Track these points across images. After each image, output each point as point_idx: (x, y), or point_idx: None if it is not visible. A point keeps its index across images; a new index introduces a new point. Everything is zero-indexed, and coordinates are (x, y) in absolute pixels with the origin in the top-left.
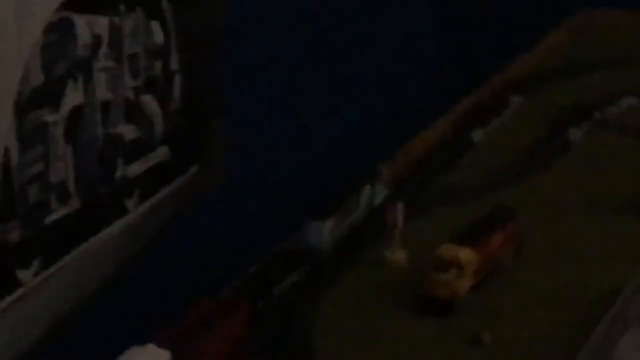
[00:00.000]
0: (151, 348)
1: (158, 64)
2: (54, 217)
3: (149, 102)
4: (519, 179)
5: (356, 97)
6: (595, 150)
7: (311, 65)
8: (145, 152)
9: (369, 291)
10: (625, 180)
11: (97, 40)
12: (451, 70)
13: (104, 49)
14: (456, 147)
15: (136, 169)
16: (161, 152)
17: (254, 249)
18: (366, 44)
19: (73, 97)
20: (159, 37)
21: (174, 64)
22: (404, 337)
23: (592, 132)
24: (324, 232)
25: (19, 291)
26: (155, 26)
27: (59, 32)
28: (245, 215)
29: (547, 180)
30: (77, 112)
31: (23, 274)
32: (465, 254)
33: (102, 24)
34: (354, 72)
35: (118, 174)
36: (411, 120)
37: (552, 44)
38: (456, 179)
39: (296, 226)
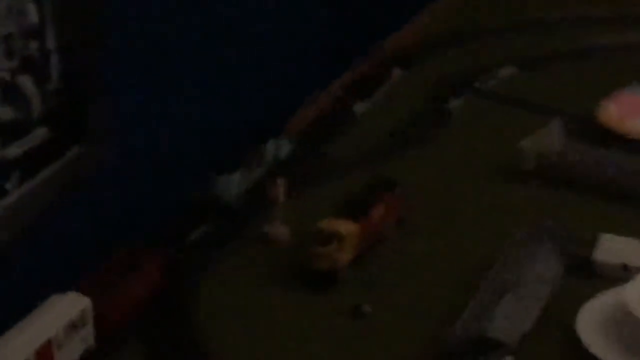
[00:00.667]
0: (72, 295)
1: (34, 44)
2: None
3: (26, 82)
4: (401, 150)
5: (248, 59)
6: (475, 119)
7: (201, 30)
8: (23, 134)
9: (250, 267)
10: (505, 148)
11: None
12: (338, 39)
13: None
14: (338, 119)
15: (14, 151)
16: (40, 133)
17: (163, 203)
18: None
19: None
20: (34, 16)
21: (51, 44)
22: (285, 312)
23: (472, 101)
24: (231, 185)
25: None
26: (30, 5)
27: None
28: (150, 175)
29: (429, 150)
30: None
31: None
32: (346, 227)
33: None
34: (243, 38)
35: None
36: (307, 82)
37: (433, 14)
38: (338, 152)
39: (201, 182)
